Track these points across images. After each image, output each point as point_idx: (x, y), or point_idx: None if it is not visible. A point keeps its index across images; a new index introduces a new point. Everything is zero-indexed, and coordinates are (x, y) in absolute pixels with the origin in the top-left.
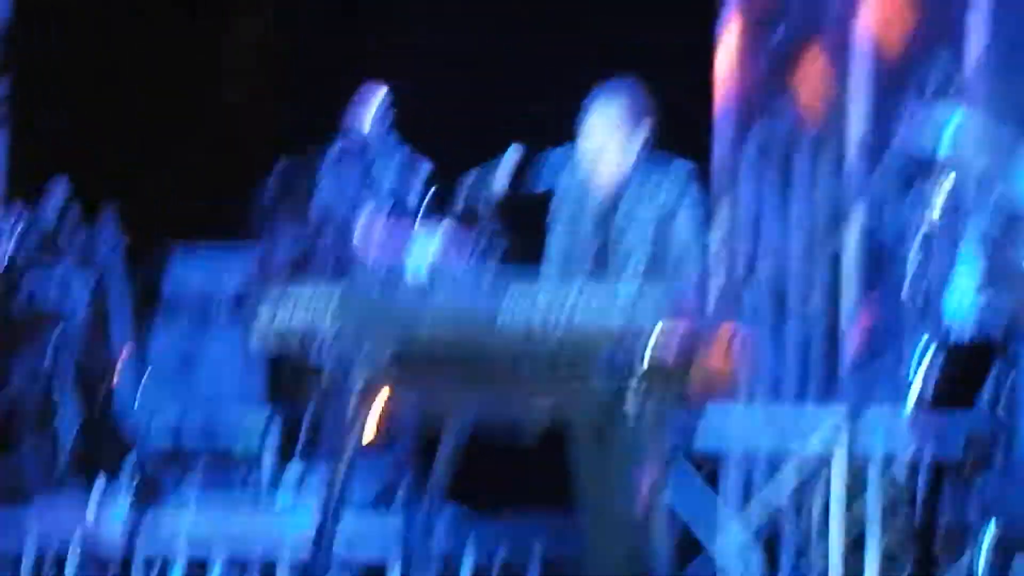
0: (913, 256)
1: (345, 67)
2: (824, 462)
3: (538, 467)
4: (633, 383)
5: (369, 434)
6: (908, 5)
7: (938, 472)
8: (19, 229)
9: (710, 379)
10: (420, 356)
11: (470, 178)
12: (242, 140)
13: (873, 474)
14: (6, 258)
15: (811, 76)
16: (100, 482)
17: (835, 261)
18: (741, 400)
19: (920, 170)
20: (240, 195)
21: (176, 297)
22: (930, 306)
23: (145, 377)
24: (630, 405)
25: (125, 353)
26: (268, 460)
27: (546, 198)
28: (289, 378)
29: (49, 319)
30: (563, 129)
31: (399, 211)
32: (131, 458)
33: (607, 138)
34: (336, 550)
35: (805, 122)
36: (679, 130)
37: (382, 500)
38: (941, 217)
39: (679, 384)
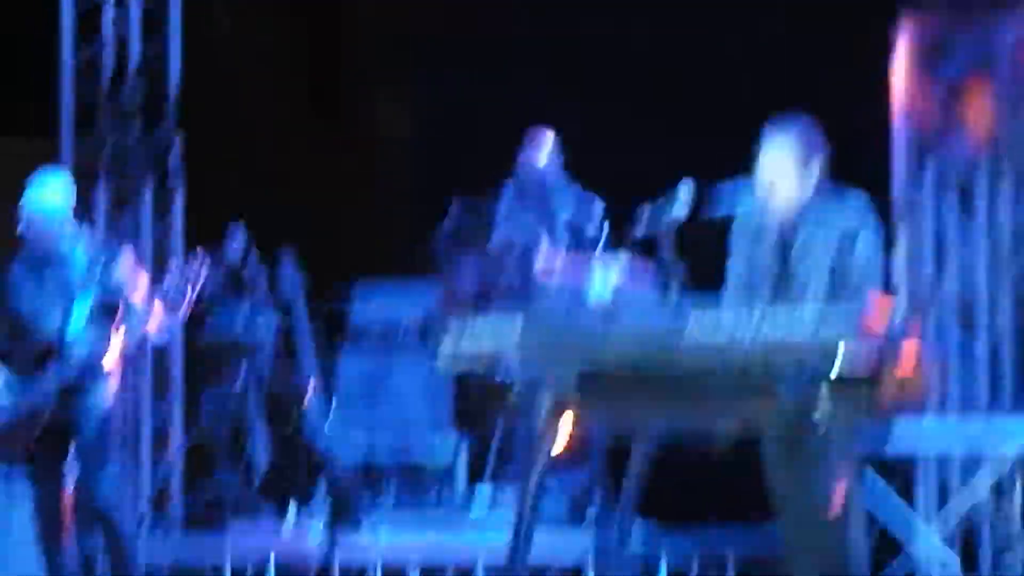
0: None
1: (512, 110)
2: (1019, 465)
3: (727, 480)
4: (822, 393)
5: (559, 448)
6: None
7: None
8: (204, 270)
9: (899, 390)
10: (606, 377)
11: (646, 211)
12: (410, 179)
13: None
14: (194, 297)
15: (982, 106)
16: (294, 504)
17: (1021, 280)
18: (932, 412)
19: None
20: (415, 234)
21: (361, 327)
22: None
23: (334, 404)
24: (819, 415)
25: (313, 381)
26: (459, 479)
27: (724, 226)
28: (476, 401)
29: (239, 351)
30: (737, 165)
31: (577, 245)
32: (323, 479)
33: (783, 169)
34: (531, 562)
35: (979, 149)
36: (856, 162)
37: (574, 515)
38: None
39: (868, 395)
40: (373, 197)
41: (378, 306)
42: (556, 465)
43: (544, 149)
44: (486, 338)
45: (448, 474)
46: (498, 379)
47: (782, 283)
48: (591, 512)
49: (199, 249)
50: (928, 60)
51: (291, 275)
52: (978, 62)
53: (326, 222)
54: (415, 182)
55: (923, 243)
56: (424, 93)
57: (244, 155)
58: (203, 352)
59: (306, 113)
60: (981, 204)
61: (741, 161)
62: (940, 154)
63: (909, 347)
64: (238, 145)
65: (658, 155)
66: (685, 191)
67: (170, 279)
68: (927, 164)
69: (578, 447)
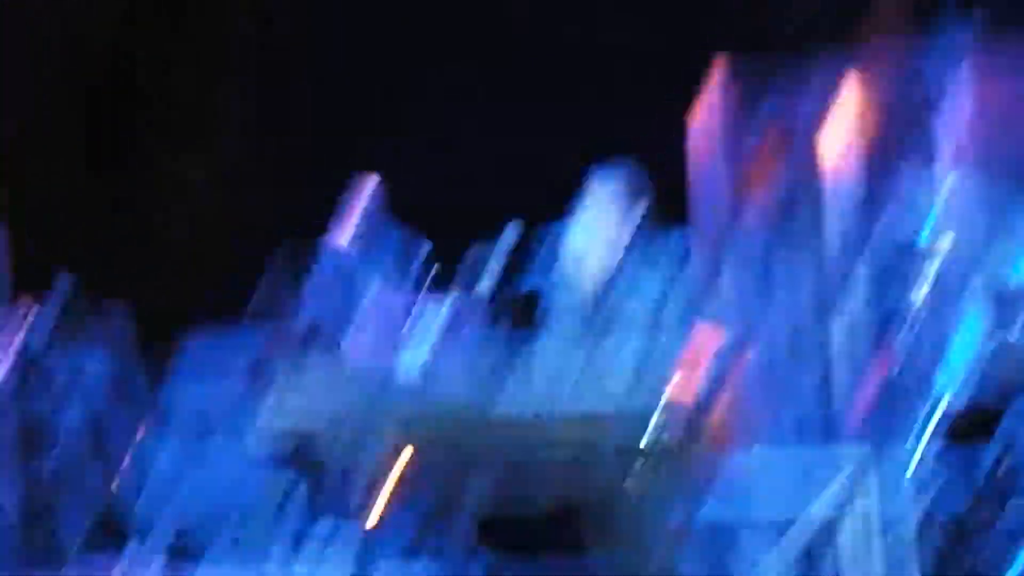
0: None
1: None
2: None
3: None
4: (637, 465)
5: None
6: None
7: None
8: (29, 320)
9: (714, 450)
10: (424, 452)
11: (470, 256)
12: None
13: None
14: (20, 346)
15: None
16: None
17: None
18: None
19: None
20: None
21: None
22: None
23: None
24: (634, 486)
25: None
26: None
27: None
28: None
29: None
30: (558, 204)
31: (399, 292)
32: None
33: (600, 224)
34: None
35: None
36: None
37: (414, 547)
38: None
39: (681, 462)
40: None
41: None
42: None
43: (363, 198)
44: (297, 416)
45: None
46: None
47: (599, 335)
48: (430, 544)
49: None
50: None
51: (120, 324)
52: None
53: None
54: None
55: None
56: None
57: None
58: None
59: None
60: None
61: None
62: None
63: (722, 403)
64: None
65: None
66: (508, 237)
67: None
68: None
69: (415, 482)
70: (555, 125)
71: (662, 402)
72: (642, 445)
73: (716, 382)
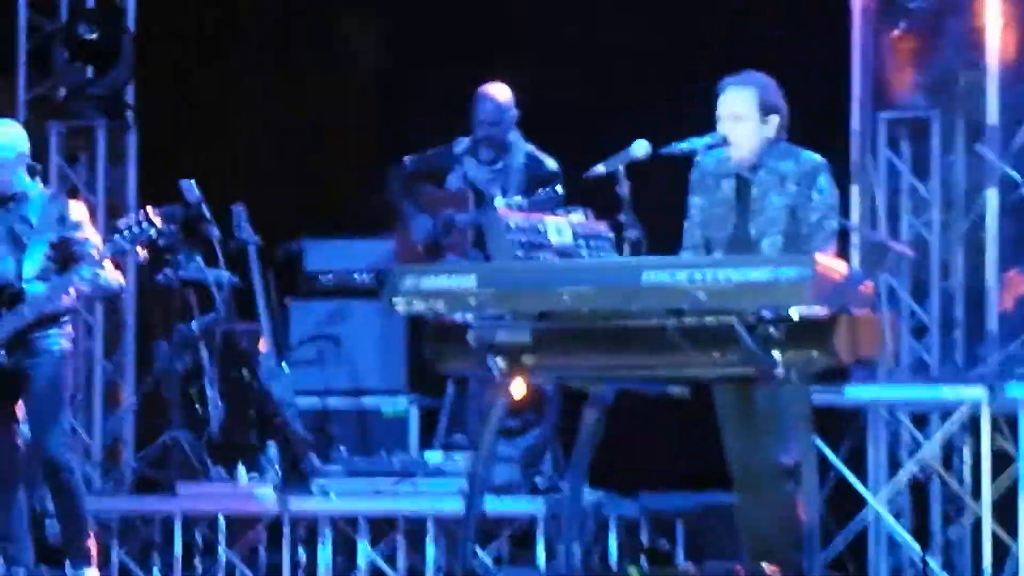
0: None
1: (462, 65)
2: (968, 427)
3: (675, 451)
4: (779, 336)
5: (515, 398)
6: None
7: None
8: (157, 220)
9: (856, 337)
10: (560, 329)
11: (599, 169)
12: (361, 133)
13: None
14: (148, 247)
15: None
16: (243, 466)
17: (971, 240)
18: (883, 376)
19: None
20: (364, 189)
21: (314, 278)
22: None
23: (288, 351)
24: (776, 359)
25: (267, 330)
26: (411, 444)
27: (682, 163)
28: (430, 358)
29: (190, 301)
30: (693, 133)
31: (530, 205)
32: (275, 434)
33: (743, 110)
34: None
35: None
36: (813, 128)
37: (525, 481)
38: None
39: (826, 339)
40: (331, 148)
41: (331, 258)
42: (508, 431)
43: (498, 102)
44: (442, 281)
45: (401, 430)
46: (454, 321)
47: (739, 231)
48: (542, 477)
49: (151, 203)
50: (883, 16)
51: (244, 227)
52: (932, 13)
53: (280, 174)
54: (374, 132)
55: (876, 204)
56: (386, 38)
57: (198, 101)
58: (156, 301)
59: (266, 55)
60: (934, 163)
61: (697, 129)
62: (893, 109)
63: (867, 289)
64: (193, 91)
65: (613, 121)
66: (639, 147)
67: (125, 227)
68: (880, 123)
69: (530, 413)
70: None
71: (812, 273)
72: (791, 316)
73: (858, 275)
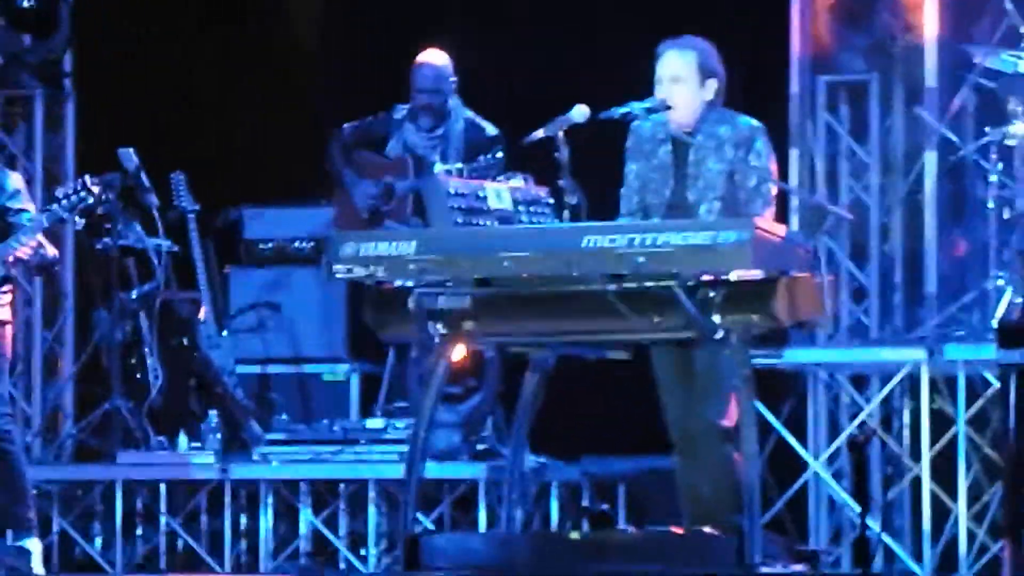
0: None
1: (400, 31)
2: (906, 389)
3: (615, 416)
4: (718, 300)
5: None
6: None
7: None
8: (96, 189)
9: (796, 301)
10: (501, 295)
11: (538, 134)
12: (301, 100)
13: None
14: (85, 215)
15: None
16: (184, 434)
17: (910, 203)
18: (822, 339)
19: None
20: (303, 156)
21: (254, 244)
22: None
23: (227, 318)
24: (716, 322)
25: (207, 297)
26: (352, 411)
27: (618, 127)
28: (372, 313)
29: (128, 269)
30: (632, 96)
31: (471, 171)
32: (215, 401)
33: (682, 72)
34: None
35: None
36: (752, 92)
37: (467, 445)
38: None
39: (765, 300)
40: (270, 116)
41: (270, 226)
42: (449, 397)
43: (437, 68)
44: (382, 247)
45: (342, 397)
46: (394, 287)
47: (677, 196)
48: (484, 443)
49: (90, 171)
50: None
51: (183, 195)
52: None
53: (219, 142)
54: (313, 100)
55: (815, 167)
56: (325, 3)
57: (137, 69)
58: (95, 270)
59: (205, 22)
60: (873, 126)
61: (636, 93)
62: (832, 72)
63: (806, 252)
64: (132, 58)
65: (552, 85)
66: (578, 112)
67: (63, 196)
68: (819, 86)
69: (471, 378)
70: None
71: (751, 235)
72: (730, 277)
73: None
